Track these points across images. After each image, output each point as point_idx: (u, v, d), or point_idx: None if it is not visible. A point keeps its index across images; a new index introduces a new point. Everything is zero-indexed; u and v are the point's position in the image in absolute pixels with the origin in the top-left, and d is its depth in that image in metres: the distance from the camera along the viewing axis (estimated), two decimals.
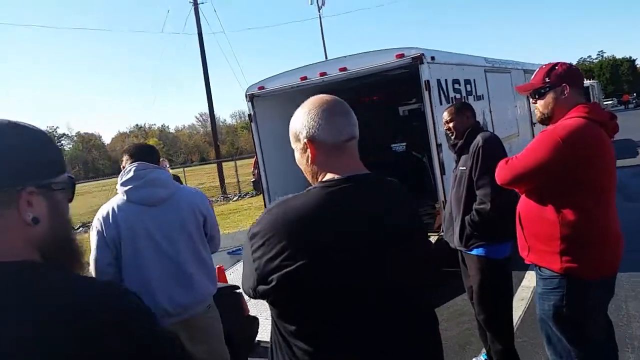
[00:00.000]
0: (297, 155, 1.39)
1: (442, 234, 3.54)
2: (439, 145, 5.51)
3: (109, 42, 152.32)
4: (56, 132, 75.27)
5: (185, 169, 26.38)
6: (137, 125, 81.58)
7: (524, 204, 2.38)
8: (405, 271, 1.28)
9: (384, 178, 1.41)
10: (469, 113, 3.41)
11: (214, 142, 22.66)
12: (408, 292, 1.29)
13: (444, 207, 4.14)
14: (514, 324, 3.76)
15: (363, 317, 1.19)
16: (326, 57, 21.76)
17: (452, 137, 3.46)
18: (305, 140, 1.33)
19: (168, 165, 7.22)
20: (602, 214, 2.21)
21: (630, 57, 71.78)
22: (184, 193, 2.66)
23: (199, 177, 25.80)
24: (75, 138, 75.42)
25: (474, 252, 3.19)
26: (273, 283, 1.16)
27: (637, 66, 72.95)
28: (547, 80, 2.36)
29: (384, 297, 1.22)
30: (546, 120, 2.41)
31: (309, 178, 1.38)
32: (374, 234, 1.24)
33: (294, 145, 1.39)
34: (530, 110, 9.55)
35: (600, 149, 2.20)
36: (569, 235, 2.18)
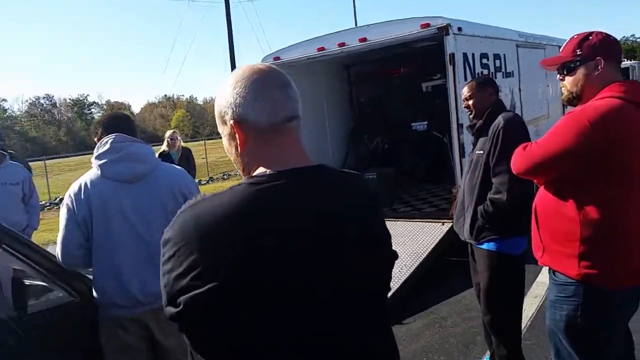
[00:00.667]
0: (224, 142, 1.09)
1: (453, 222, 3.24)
2: (460, 126, 5.17)
3: (139, 10, 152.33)
4: (86, 99, 76.22)
5: (208, 141, 26.35)
6: (165, 95, 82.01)
7: (542, 198, 2.04)
8: (365, 272, 1.03)
9: (337, 171, 1.11)
10: (491, 89, 3.06)
11: None
12: (365, 291, 1.03)
13: None
14: (524, 324, 3.45)
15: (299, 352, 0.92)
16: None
17: (471, 117, 3.12)
18: (231, 121, 1.03)
19: (179, 138, 7.04)
20: (632, 212, 1.87)
21: None
22: (164, 170, 2.42)
23: (221, 151, 25.78)
24: (105, 107, 76.40)
25: (485, 246, 2.87)
26: (180, 307, 0.90)
27: None
28: (578, 52, 1.97)
29: (340, 298, 0.97)
30: (574, 100, 2.04)
31: (240, 171, 1.08)
32: (320, 241, 0.96)
33: (220, 129, 1.08)
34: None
35: (636, 135, 1.85)
36: (590, 236, 1.84)
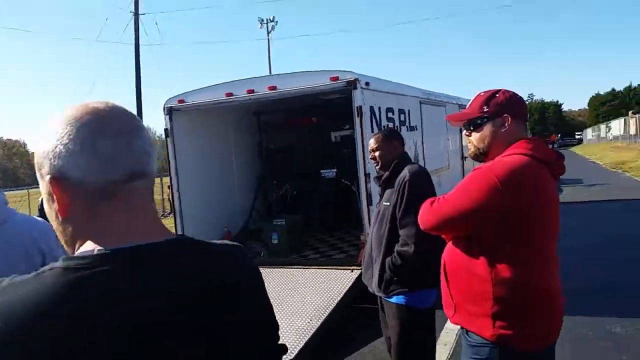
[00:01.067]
0: (45, 205, 0.83)
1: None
2: (367, 175, 5.24)
3: (45, 48, 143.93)
4: None
5: None
6: None
7: (451, 254, 2.01)
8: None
9: (201, 246, 0.86)
10: (397, 142, 3.11)
11: None
12: None
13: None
14: None
15: None
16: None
17: (377, 168, 3.14)
18: (48, 177, 0.78)
19: None
20: (543, 270, 1.88)
21: (557, 101, 77.08)
22: (17, 223, 1.99)
23: None
24: None
25: (394, 299, 2.83)
26: None
27: (563, 110, 78.70)
28: (485, 109, 2.00)
29: None
30: (481, 156, 2.05)
31: (63, 244, 0.83)
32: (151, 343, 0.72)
33: (40, 185, 0.83)
34: (461, 144, 9.62)
35: (544, 193, 1.88)
36: (503, 295, 1.81)
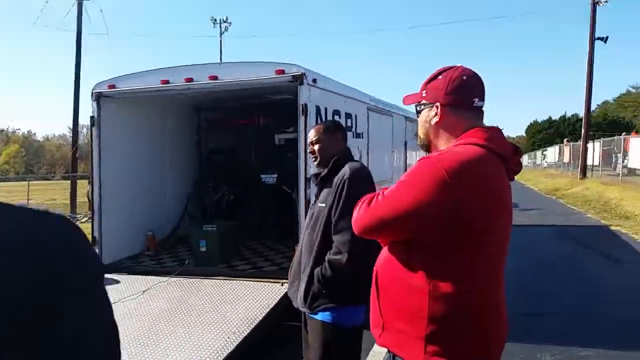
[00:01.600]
0: None
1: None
2: (307, 180, 4.84)
3: None
4: None
5: (44, 181, 23.44)
6: None
7: (386, 262, 1.64)
8: None
9: None
10: (339, 135, 2.74)
11: (72, 154, 19.93)
12: None
13: None
14: None
15: None
16: None
17: (315, 164, 2.74)
18: None
19: None
20: (491, 285, 1.55)
21: (497, 126, 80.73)
22: None
23: (53, 193, 22.77)
24: None
25: (319, 316, 2.42)
26: None
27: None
28: (423, 94, 1.69)
29: None
30: (423, 147, 1.75)
31: None
32: None
33: None
34: (405, 159, 9.45)
35: (499, 194, 1.55)
36: (441, 314, 1.47)
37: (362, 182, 2.46)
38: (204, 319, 4.31)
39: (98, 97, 5.70)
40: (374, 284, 1.66)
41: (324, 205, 2.52)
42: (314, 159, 2.73)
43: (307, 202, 4.80)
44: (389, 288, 1.60)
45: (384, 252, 1.66)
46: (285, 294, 4.51)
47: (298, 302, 2.51)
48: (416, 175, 1.53)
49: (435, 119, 1.65)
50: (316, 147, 2.69)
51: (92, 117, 5.72)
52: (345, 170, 2.49)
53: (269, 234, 7.07)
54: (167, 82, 5.46)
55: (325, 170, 2.62)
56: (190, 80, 5.37)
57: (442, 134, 1.66)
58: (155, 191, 6.76)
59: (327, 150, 2.66)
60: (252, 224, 7.19)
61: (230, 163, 7.66)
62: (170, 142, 7.09)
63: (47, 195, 20.99)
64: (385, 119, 8.02)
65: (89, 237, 5.61)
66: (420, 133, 1.73)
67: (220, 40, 36.44)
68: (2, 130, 74.41)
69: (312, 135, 2.73)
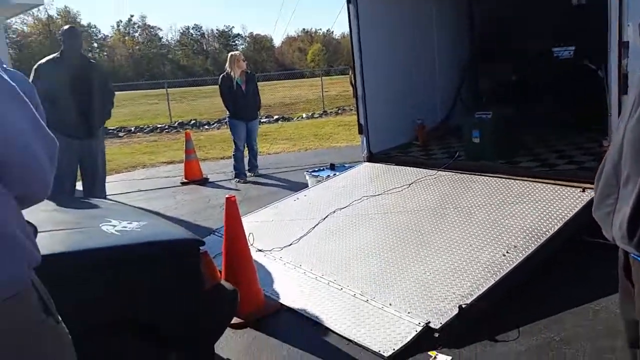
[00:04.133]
0: None
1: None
2: (624, 45, 3.46)
3: None
4: (231, 31, 79.49)
5: (341, 76, 26.63)
6: (304, 29, 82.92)
7: None
8: None
9: None
10: None
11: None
12: None
13: None
14: None
15: None
16: None
17: None
18: None
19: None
20: None
21: None
22: None
23: (340, 87, 25.26)
24: (247, 39, 79.85)
25: None
26: None
27: None
28: None
29: None
30: None
31: None
32: None
33: None
34: None
35: None
36: None
37: None
38: (475, 223, 3.70)
39: None
40: None
41: None
42: None
43: (624, 77, 3.46)
44: None
45: None
46: (589, 207, 3.47)
47: (615, 231, 1.58)
48: None
49: None
50: None
51: None
52: None
53: (565, 122, 5.69)
54: None
55: None
56: None
57: None
58: (422, 75, 6.26)
59: None
60: (539, 111, 5.92)
61: (511, 36, 6.36)
62: (436, 16, 6.41)
63: (342, 88, 23.04)
64: None
65: (355, 125, 5.60)
66: None
67: None
68: (307, 32, 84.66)
69: None
